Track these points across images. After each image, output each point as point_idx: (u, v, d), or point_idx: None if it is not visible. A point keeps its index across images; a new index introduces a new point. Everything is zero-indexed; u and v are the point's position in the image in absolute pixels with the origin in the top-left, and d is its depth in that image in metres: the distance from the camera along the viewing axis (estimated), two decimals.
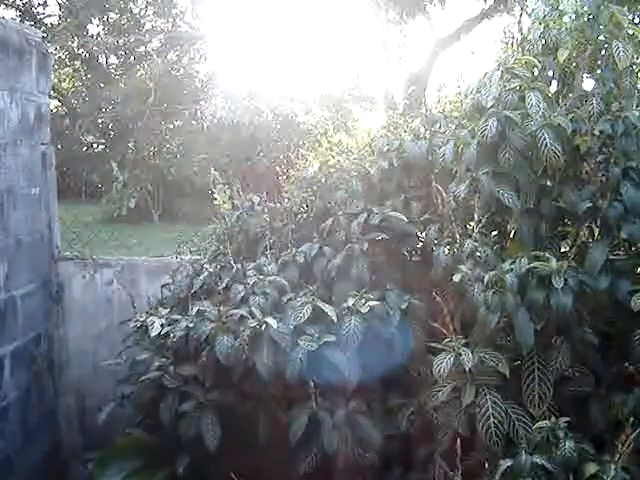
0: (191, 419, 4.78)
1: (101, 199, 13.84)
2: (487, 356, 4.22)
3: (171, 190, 13.94)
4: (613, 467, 3.75)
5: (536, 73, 5.06)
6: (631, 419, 3.89)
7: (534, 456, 3.93)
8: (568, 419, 4.07)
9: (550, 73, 5.13)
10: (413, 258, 5.41)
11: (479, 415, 4.16)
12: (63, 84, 18.62)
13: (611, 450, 3.89)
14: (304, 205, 5.68)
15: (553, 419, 4.09)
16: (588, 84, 5.02)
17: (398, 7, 18.68)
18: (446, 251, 4.71)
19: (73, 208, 12.28)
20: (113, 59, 18.28)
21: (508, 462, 3.93)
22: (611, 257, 4.59)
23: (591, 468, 3.83)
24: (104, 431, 5.53)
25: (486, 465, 4.02)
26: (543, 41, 5.06)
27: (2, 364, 5.97)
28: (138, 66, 17.38)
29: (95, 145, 17.49)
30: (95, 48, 16.84)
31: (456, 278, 4.41)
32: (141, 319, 5.30)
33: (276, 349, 4.54)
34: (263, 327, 4.60)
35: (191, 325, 4.88)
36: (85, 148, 17.33)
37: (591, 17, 4.99)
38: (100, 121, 16.68)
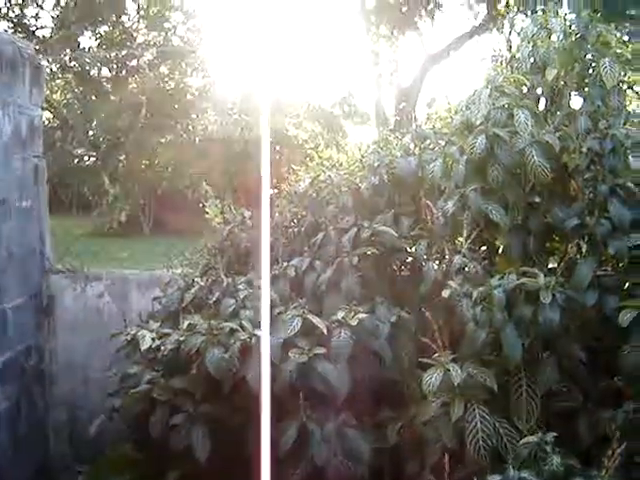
0: (181, 432, 4.78)
1: (92, 212, 13.84)
2: (475, 371, 4.25)
3: (162, 204, 13.95)
4: None
5: (525, 91, 5.13)
6: (617, 434, 3.93)
7: (522, 471, 3.95)
8: (555, 434, 4.09)
9: (538, 91, 5.20)
10: (402, 273, 5.46)
11: (468, 430, 4.19)
12: (55, 96, 18.62)
13: (598, 465, 3.91)
14: (295, 220, 5.72)
15: (540, 434, 4.11)
16: (576, 102, 5.08)
17: (389, 23, 18.81)
18: (435, 266, 4.76)
19: (64, 221, 12.27)
20: (105, 72, 18.32)
21: (497, 477, 3.96)
22: (599, 273, 4.63)
23: None
24: (95, 443, 5.54)
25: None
26: (532, 59, 5.13)
27: None
28: (130, 79, 17.41)
29: (86, 158, 17.48)
30: (87, 61, 16.87)
31: (445, 293, 4.45)
32: (132, 332, 5.31)
33: None
34: (253, 340, 4.63)
35: (182, 338, 4.88)
36: (76, 161, 17.32)
37: (579, 36, 5.07)
38: (91, 134, 16.69)
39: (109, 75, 18.29)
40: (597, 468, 3.88)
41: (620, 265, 4.79)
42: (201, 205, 6.37)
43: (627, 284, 4.67)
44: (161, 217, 13.80)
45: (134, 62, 17.64)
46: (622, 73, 4.96)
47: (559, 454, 3.99)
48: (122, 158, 15.02)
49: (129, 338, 5.29)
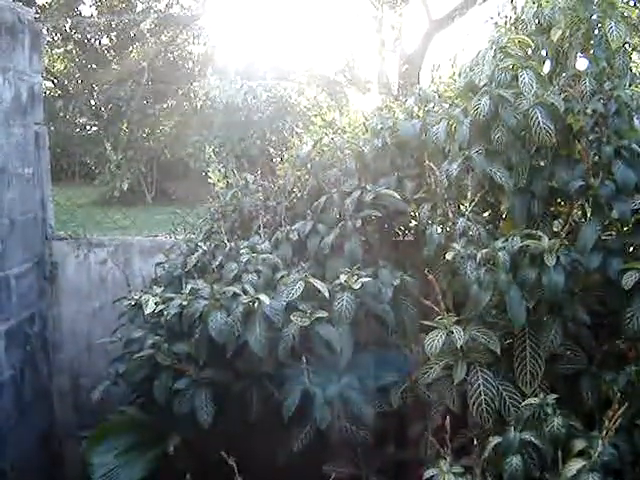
0: (185, 397, 4.80)
1: (95, 181, 13.82)
2: (479, 334, 4.25)
3: (165, 172, 13.93)
4: (601, 443, 3.78)
5: (529, 52, 5.06)
6: (618, 395, 3.93)
7: (523, 433, 3.97)
8: (557, 396, 4.11)
9: (543, 53, 5.12)
10: (406, 236, 5.44)
11: (470, 392, 4.19)
12: (56, 65, 18.52)
13: (601, 428, 3.92)
14: (298, 184, 5.70)
15: (542, 396, 4.12)
16: (581, 63, 5.02)
17: None
18: (439, 229, 4.73)
19: (67, 190, 12.26)
20: (106, 40, 18.18)
21: (497, 439, 3.98)
22: (603, 237, 4.60)
23: (579, 444, 3.87)
24: (99, 410, 5.56)
25: (476, 442, 4.04)
26: (536, 20, 5.05)
27: None
28: (131, 47, 17.30)
29: (88, 127, 17.42)
30: (88, 29, 16.76)
31: (449, 256, 4.42)
32: (135, 297, 5.32)
33: (269, 325, 4.56)
34: (256, 304, 4.62)
35: (185, 303, 4.87)
36: (78, 130, 17.26)
37: None
38: (93, 103, 16.62)
39: (110, 44, 18.14)
40: (600, 431, 3.90)
41: (624, 228, 4.77)
42: (203, 174, 6.34)
43: (632, 247, 4.66)
44: (163, 186, 13.79)
45: (135, 30, 17.49)
46: (627, 34, 4.89)
47: (561, 416, 4.01)
48: (124, 127, 14.94)
49: (132, 303, 5.31)
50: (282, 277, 4.89)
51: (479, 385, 4.18)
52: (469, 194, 4.66)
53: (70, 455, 6.79)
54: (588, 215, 4.75)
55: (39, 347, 6.79)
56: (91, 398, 5.34)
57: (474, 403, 4.17)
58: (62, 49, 18.38)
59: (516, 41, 4.92)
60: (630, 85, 4.83)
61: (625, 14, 4.87)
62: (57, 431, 7.08)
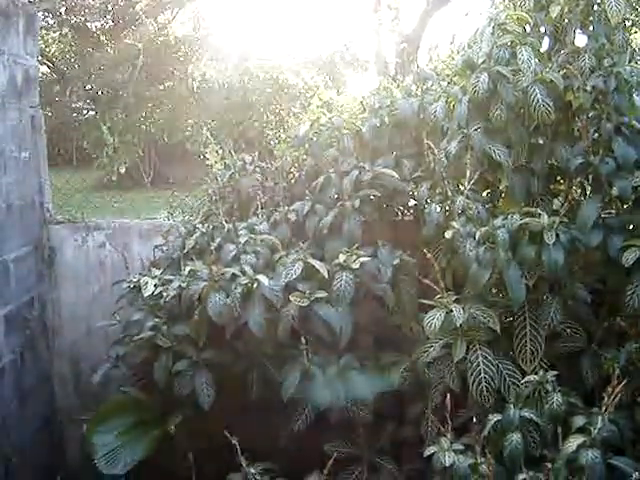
0: (185, 378, 4.80)
1: (92, 165, 13.76)
2: (478, 312, 4.23)
3: (163, 155, 13.86)
4: (600, 419, 3.77)
5: (528, 29, 5.01)
6: (617, 372, 3.91)
7: (523, 410, 3.96)
8: (556, 373, 4.10)
9: (542, 29, 5.08)
10: (405, 216, 5.42)
11: (470, 371, 4.18)
12: (52, 49, 18.40)
13: (601, 404, 3.92)
14: (296, 164, 5.67)
15: (542, 373, 4.12)
16: (580, 40, 4.98)
17: None
18: (438, 208, 4.70)
19: (64, 174, 12.20)
20: (101, 23, 18.04)
21: (497, 417, 3.97)
22: (603, 215, 4.58)
23: (579, 420, 3.87)
24: (100, 393, 5.56)
25: (477, 420, 4.04)
26: None
27: None
28: (127, 30, 17.16)
29: (85, 111, 17.32)
30: (83, 12, 16.63)
31: (448, 235, 4.41)
32: (134, 280, 5.31)
33: (268, 306, 4.55)
34: (255, 285, 4.61)
35: (184, 285, 4.87)
36: (75, 114, 17.16)
37: None
38: (90, 87, 16.52)
39: (106, 27, 17.99)
40: (600, 408, 3.89)
41: (625, 206, 4.74)
42: (201, 157, 6.31)
43: (632, 225, 4.63)
44: (161, 169, 13.73)
45: (130, 13, 17.34)
46: (627, 10, 4.84)
47: (560, 393, 4.01)
48: (121, 110, 14.85)
49: (131, 285, 5.30)
50: (281, 258, 4.87)
51: (479, 363, 4.17)
52: (468, 172, 4.63)
53: (72, 438, 6.80)
54: (588, 193, 4.72)
55: (39, 331, 6.78)
56: (92, 382, 5.35)
57: (474, 381, 4.16)
58: (57, 33, 18.26)
59: (514, 18, 4.87)
60: (630, 61, 4.78)
61: None
62: (58, 415, 7.08)
